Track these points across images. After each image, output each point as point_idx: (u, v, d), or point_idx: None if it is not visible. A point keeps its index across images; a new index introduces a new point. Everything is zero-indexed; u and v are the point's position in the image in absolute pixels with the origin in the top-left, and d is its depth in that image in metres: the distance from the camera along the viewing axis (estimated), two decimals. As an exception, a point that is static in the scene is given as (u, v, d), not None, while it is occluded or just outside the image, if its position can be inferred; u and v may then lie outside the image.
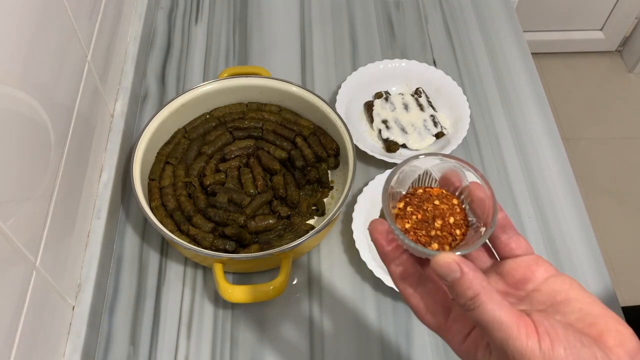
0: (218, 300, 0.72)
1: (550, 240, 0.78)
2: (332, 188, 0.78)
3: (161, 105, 0.86)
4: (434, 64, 0.96)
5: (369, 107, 0.88)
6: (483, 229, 0.40)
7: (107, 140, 0.79)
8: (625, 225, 1.79)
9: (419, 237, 0.41)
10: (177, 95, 0.78)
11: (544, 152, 0.86)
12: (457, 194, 0.43)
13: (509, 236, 0.40)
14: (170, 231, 0.69)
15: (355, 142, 0.76)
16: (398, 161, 0.80)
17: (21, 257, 0.53)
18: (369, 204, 0.76)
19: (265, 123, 0.81)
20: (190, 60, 0.95)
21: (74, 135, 0.66)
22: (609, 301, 0.73)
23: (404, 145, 0.84)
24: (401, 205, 0.43)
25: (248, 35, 0.99)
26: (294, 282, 0.74)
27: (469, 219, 0.42)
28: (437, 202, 0.42)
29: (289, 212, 0.74)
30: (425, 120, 0.86)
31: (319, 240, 0.76)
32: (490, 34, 1.01)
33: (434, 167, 0.43)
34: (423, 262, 0.42)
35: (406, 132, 0.84)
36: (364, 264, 0.70)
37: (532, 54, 0.98)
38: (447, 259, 0.36)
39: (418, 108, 0.87)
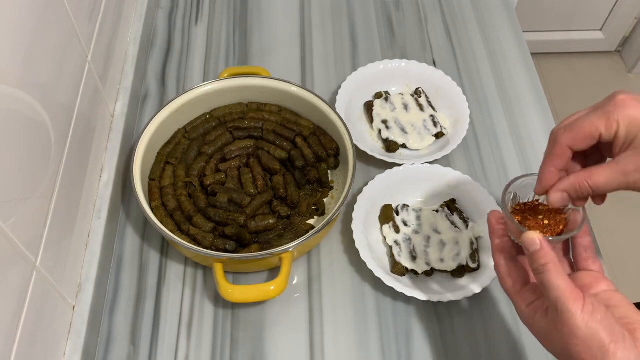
0: (218, 300, 0.72)
1: (550, 240, 0.78)
2: (332, 188, 0.79)
3: (161, 105, 0.86)
4: (434, 64, 0.96)
5: (369, 107, 0.88)
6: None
7: (107, 140, 0.79)
8: (625, 225, 1.79)
9: (521, 222, 0.55)
10: (178, 95, 0.78)
11: (544, 152, 0.86)
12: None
13: (588, 255, 0.53)
14: (171, 231, 0.70)
15: (355, 142, 0.76)
16: (398, 161, 0.80)
17: (21, 257, 0.53)
18: (369, 204, 0.76)
19: (265, 123, 0.81)
20: (191, 61, 0.95)
21: (74, 135, 0.66)
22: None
23: (403, 145, 0.84)
24: (517, 207, 0.56)
25: (248, 35, 0.99)
26: (294, 282, 0.74)
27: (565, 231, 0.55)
28: (543, 216, 0.55)
29: (289, 212, 0.74)
30: (425, 120, 0.86)
31: (319, 240, 0.76)
32: (490, 34, 1.01)
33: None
34: (519, 251, 0.54)
35: (406, 132, 0.84)
36: (364, 264, 0.70)
37: (532, 54, 0.98)
38: (534, 235, 0.49)
39: (418, 108, 0.87)
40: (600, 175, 0.50)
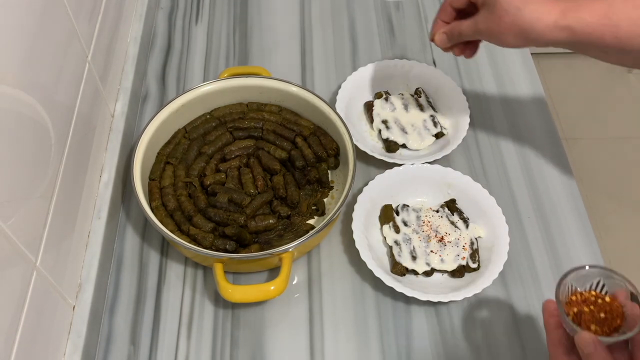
0: (218, 300, 0.72)
1: (550, 240, 0.78)
2: (332, 188, 0.79)
3: (161, 105, 0.86)
4: (434, 64, 0.96)
5: (369, 107, 0.88)
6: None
7: (107, 140, 0.79)
8: (625, 225, 1.79)
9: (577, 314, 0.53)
10: (178, 95, 0.78)
11: (544, 152, 0.86)
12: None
13: None
14: (171, 231, 0.70)
15: (355, 142, 0.76)
16: (398, 161, 0.80)
17: (21, 257, 0.53)
18: (369, 204, 0.76)
19: (265, 123, 0.81)
20: (191, 61, 0.95)
21: (74, 135, 0.66)
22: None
23: (403, 145, 0.84)
24: (573, 297, 0.55)
25: (248, 35, 0.99)
26: (294, 282, 0.74)
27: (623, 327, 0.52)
28: (599, 308, 0.53)
29: (289, 212, 0.75)
30: (425, 121, 0.86)
31: (319, 240, 0.76)
32: (490, 34, 1.01)
33: (604, 278, 0.55)
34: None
35: (406, 132, 0.84)
36: (364, 264, 0.70)
37: (532, 54, 0.98)
38: (589, 337, 0.48)
39: (418, 108, 0.87)
40: (464, 24, 0.69)
